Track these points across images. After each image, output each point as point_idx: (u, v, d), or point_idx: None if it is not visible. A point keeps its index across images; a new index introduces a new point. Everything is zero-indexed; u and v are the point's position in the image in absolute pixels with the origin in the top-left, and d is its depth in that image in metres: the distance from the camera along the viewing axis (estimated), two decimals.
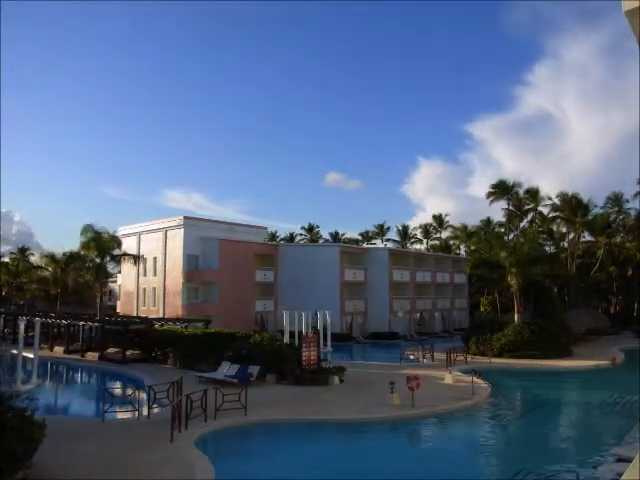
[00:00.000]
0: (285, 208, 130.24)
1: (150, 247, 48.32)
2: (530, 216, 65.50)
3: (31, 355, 24.68)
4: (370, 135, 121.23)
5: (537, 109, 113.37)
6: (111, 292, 62.43)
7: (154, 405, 16.90)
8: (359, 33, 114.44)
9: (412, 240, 78.59)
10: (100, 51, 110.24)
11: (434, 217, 77.80)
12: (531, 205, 64.53)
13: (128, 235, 49.76)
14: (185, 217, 46.01)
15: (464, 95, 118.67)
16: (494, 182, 64.51)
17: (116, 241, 40.61)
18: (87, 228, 38.06)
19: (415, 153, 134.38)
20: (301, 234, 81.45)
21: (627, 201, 58.16)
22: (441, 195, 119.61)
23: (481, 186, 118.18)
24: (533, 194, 63.45)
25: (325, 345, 28.40)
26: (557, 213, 60.70)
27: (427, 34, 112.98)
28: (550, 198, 61.28)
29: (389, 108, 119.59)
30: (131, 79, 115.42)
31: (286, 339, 26.60)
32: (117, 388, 23.41)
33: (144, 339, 30.01)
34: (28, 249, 69.62)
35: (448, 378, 22.83)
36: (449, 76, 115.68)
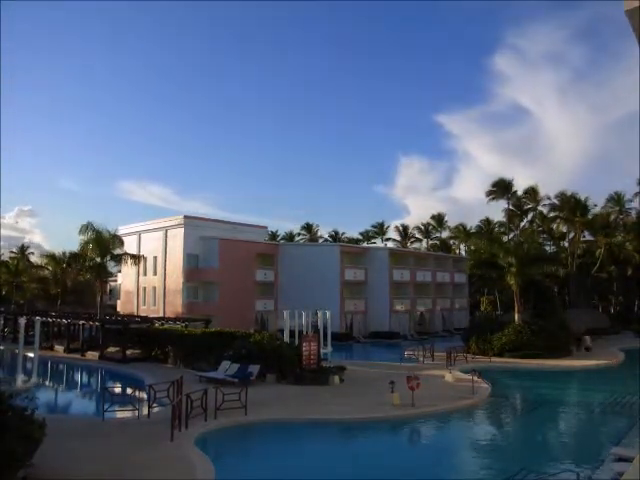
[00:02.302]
0: (262, 204, 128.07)
1: (150, 246, 48.36)
2: (530, 216, 65.58)
3: (31, 354, 24.71)
4: (346, 138, 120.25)
5: (513, 103, 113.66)
6: (111, 291, 62.50)
7: (154, 404, 16.90)
8: (321, 32, 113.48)
9: (412, 240, 78.64)
10: (56, 42, 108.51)
11: (433, 217, 77.84)
12: (531, 205, 64.60)
13: (128, 234, 49.77)
14: (185, 216, 46.07)
15: (443, 92, 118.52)
16: (494, 181, 64.76)
17: (117, 240, 40.62)
18: (86, 227, 38.06)
19: (397, 152, 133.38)
20: (300, 233, 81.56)
21: (630, 201, 58.23)
22: (424, 195, 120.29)
23: (464, 185, 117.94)
24: (533, 194, 63.53)
25: (325, 344, 28.39)
26: (557, 213, 60.79)
27: (399, 31, 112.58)
28: (549, 198, 61.48)
29: (368, 108, 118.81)
30: (87, 67, 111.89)
31: (286, 338, 26.60)
32: (117, 387, 23.42)
33: (144, 338, 30.02)
34: (28, 248, 69.77)
35: (448, 377, 22.84)
36: (429, 72, 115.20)
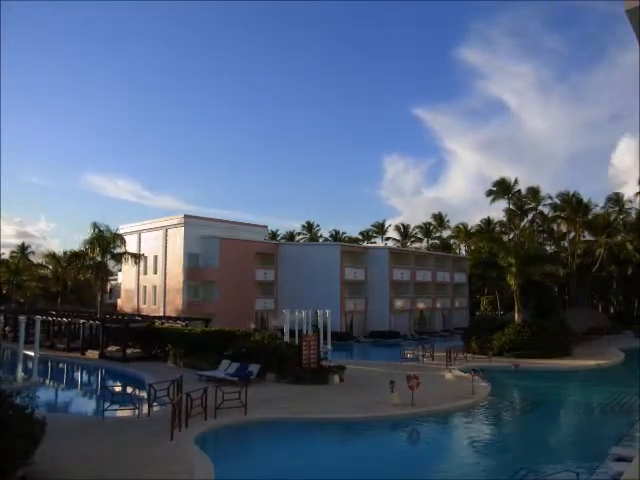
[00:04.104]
0: (235, 198, 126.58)
1: (151, 245, 48.41)
2: (531, 215, 65.56)
3: (31, 353, 24.71)
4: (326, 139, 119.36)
5: (497, 101, 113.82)
6: (111, 290, 62.54)
7: (154, 403, 16.90)
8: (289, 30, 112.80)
9: (412, 239, 78.63)
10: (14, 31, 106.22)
11: (434, 216, 77.82)
12: (532, 204, 64.58)
13: (128, 233, 49.79)
14: (185, 215, 46.11)
15: (430, 91, 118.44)
16: (495, 180, 64.65)
17: (119, 238, 40.65)
18: (94, 225, 38.18)
19: (383, 154, 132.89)
20: (299, 232, 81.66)
21: (630, 201, 58.24)
22: (411, 195, 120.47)
23: (450, 184, 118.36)
24: (534, 193, 63.54)
25: (325, 344, 28.40)
26: (558, 213, 60.79)
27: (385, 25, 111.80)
28: (551, 197, 61.52)
29: (352, 108, 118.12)
30: (49, 55, 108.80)
31: (286, 338, 26.61)
32: (117, 386, 23.42)
33: (144, 337, 30.06)
34: (29, 247, 69.75)
35: (448, 377, 22.86)
36: (411, 67, 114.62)
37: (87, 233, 38.52)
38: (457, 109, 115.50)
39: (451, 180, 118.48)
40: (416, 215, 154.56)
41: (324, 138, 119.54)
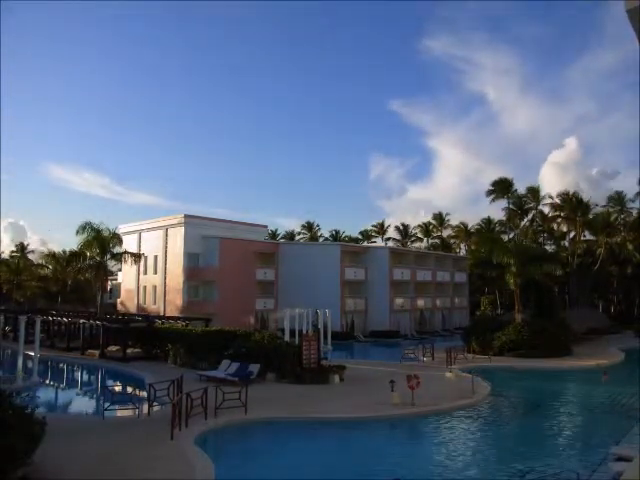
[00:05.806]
0: (209, 193, 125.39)
1: (151, 245, 48.42)
2: (531, 215, 65.58)
3: (32, 353, 24.72)
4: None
5: (477, 95, 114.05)
6: (111, 290, 62.57)
7: (154, 403, 16.91)
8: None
9: (412, 239, 78.64)
10: None
11: (434, 216, 77.83)
12: (532, 204, 64.59)
13: (128, 233, 49.81)
14: (186, 215, 46.14)
15: (418, 90, 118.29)
16: (494, 180, 64.71)
17: (117, 238, 40.58)
18: (85, 226, 37.96)
19: (371, 153, 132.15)
20: (300, 232, 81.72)
21: (632, 201, 58.23)
22: (399, 196, 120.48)
23: (438, 184, 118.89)
24: (533, 193, 63.56)
25: (325, 344, 28.41)
26: (558, 212, 60.81)
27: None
28: (551, 197, 61.53)
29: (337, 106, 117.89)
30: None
31: (286, 338, 26.61)
32: (117, 386, 23.43)
33: (145, 337, 30.06)
34: (28, 246, 69.76)
35: (448, 377, 22.86)
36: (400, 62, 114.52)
37: (80, 234, 38.02)
38: (440, 106, 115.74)
39: (436, 179, 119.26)
40: (404, 215, 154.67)
41: (323, 136, 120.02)
